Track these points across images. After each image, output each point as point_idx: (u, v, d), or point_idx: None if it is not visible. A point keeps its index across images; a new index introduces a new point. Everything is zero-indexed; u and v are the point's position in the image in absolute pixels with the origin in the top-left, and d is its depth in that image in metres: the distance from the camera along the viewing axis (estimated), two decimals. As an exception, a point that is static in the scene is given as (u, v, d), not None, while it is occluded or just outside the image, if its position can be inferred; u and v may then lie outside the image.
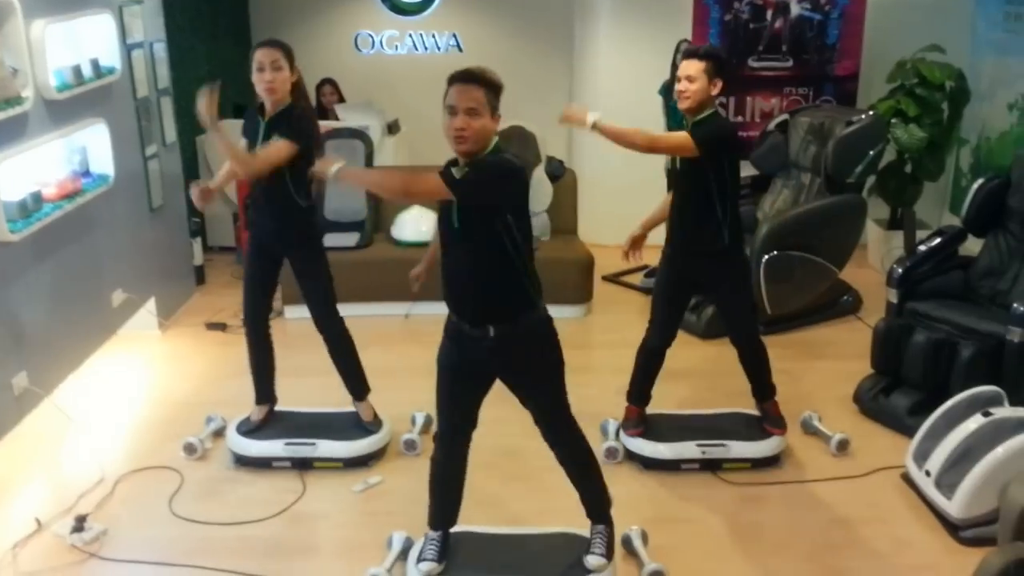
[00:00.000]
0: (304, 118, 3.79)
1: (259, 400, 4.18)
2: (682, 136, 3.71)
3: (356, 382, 4.16)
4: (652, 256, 6.51)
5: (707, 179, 3.75)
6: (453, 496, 3.30)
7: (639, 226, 4.13)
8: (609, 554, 3.22)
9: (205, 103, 3.51)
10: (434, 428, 3.16)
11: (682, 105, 3.75)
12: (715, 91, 3.72)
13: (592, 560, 3.19)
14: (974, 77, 6.41)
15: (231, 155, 3.68)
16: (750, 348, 4.06)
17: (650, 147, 3.80)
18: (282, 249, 3.96)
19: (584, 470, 3.24)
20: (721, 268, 3.91)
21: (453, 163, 2.89)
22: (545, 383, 3.08)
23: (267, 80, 3.70)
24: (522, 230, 2.90)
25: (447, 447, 3.20)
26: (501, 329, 2.93)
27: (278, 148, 3.66)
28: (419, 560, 3.22)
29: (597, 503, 3.29)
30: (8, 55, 4.02)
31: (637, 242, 4.14)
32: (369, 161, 6.18)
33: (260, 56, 3.72)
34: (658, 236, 3.85)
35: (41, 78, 4.20)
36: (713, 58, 3.72)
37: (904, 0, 6.85)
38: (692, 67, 3.70)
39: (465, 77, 2.80)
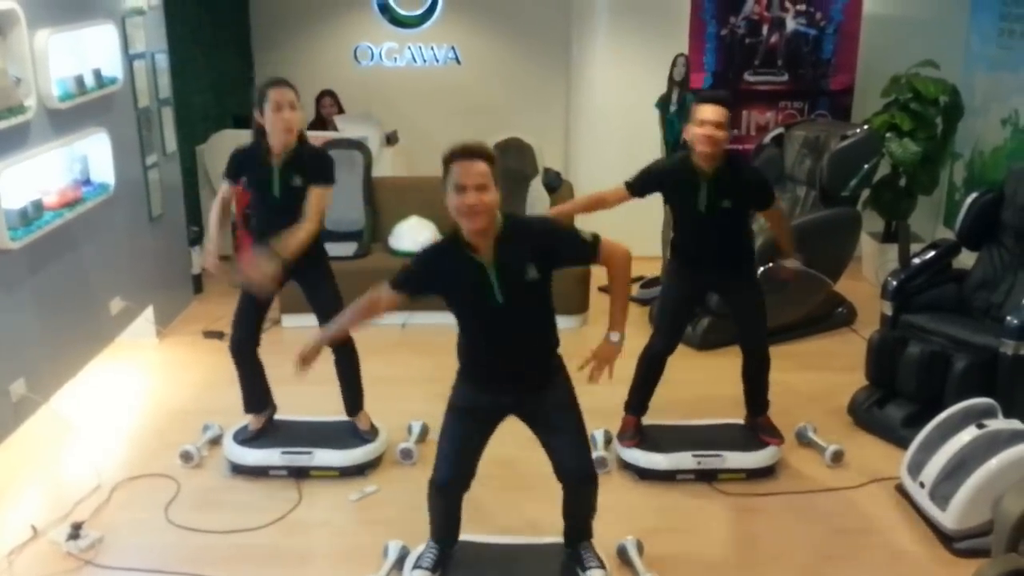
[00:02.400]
0: (324, 156, 3.86)
1: (249, 409, 4.18)
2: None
3: (355, 395, 4.19)
4: (647, 267, 6.58)
5: (741, 219, 3.96)
6: (453, 519, 3.29)
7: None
8: (603, 564, 3.24)
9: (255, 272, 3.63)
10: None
11: (707, 150, 3.73)
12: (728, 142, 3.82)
13: (595, 574, 3.20)
14: (968, 92, 6.46)
15: (293, 254, 3.69)
16: (760, 359, 4.11)
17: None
18: (291, 275, 3.91)
19: (591, 503, 3.24)
20: (740, 280, 4.03)
21: (454, 237, 2.90)
22: (574, 412, 3.11)
23: (286, 119, 3.69)
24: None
25: (448, 496, 3.19)
26: (544, 381, 3.06)
27: (322, 197, 3.76)
28: (415, 566, 3.24)
29: (589, 522, 3.30)
30: (11, 64, 4.05)
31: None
32: (368, 172, 6.21)
33: (277, 96, 3.69)
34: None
35: (44, 87, 4.22)
36: (729, 105, 3.80)
37: (899, 16, 6.91)
38: (721, 114, 3.71)
39: (468, 153, 2.78)
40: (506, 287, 2.86)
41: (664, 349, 4.11)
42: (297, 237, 3.71)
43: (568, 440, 3.08)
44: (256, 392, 4.17)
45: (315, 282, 4.02)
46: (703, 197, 3.82)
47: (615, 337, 3.09)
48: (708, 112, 3.72)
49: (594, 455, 4.02)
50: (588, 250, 3.00)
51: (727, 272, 4.00)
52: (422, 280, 2.96)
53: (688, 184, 3.84)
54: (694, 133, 3.75)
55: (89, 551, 3.52)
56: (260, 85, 3.80)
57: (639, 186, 3.96)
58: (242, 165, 3.91)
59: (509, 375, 3.00)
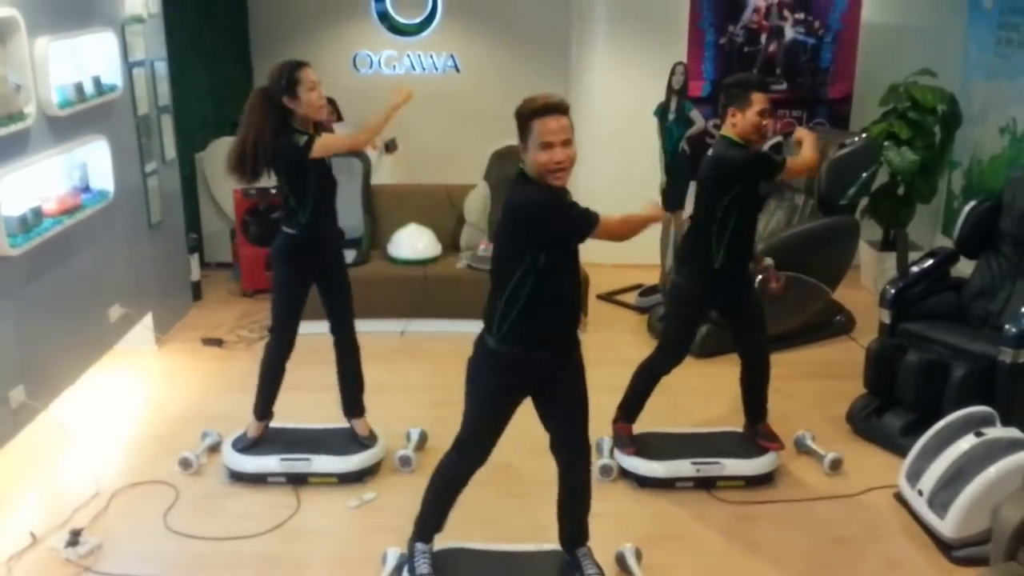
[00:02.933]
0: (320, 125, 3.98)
1: (262, 416, 4.18)
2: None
3: (356, 398, 4.20)
4: (647, 275, 6.59)
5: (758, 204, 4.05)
6: (447, 513, 3.31)
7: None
8: (601, 569, 3.25)
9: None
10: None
11: (762, 141, 3.92)
12: (738, 120, 3.86)
13: None
14: (966, 101, 6.48)
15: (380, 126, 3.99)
16: (760, 367, 4.11)
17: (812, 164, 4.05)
18: (334, 258, 4.08)
19: (587, 487, 3.26)
20: (748, 286, 4.05)
21: (562, 191, 2.92)
22: (584, 389, 3.16)
23: (323, 97, 3.84)
24: None
25: (463, 476, 3.21)
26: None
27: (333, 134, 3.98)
28: (416, 575, 3.23)
29: (585, 523, 3.31)
30: (11, 71, 4.06)
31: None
32: (367, 179, 6.22)
33: (311, 75, 3.79)
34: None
35: (43, 95, 4.23)
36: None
37: (897, 25, 6.93)
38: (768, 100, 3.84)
39: (555, 108, 2.82)
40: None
41: (674, 366, 4.12)
42: (373, 121, 3.96)
43: (579, 414, 3.16)
44: (272, 399, 4.17)
45: (342, 276, 4.10)
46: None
47: None
48: (764, 99, 3.79)
49: (600, 462, 4.09)
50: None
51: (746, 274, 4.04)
52: None
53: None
54: (754, 122, 3.77)
55: (88, 558, 3.51)
56: (281, 71, 3.78)
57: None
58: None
59: (570, 322, 3.06)
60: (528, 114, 2.81)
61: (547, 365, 3.03)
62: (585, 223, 2.89)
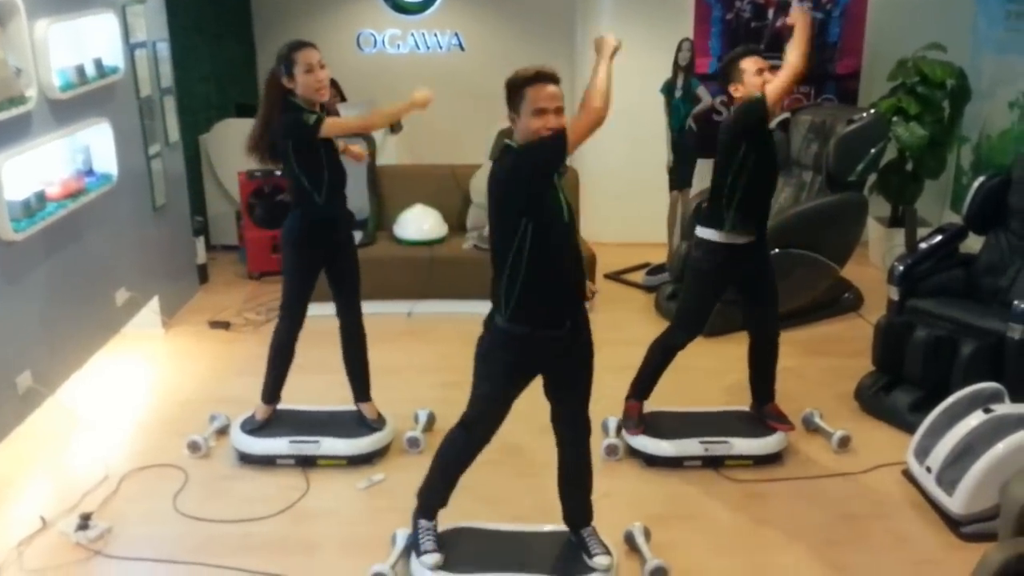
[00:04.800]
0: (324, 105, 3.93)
1: (269, 400, 4.18)
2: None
3: (364, 382, 4.20)
4: (655, 254, 6.57)
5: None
6: (451, 491, 3.33)
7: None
8: (607, 548, 3.25)
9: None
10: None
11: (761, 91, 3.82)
12: (740, 93, 3.85)
13: (601, 560, 3.21)
14: (975, 75, 6.42)
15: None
16: (770, 344, 4.10)
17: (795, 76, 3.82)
18: (344, 242, 4.04)
19: (587, 464, 3.27)
20: (767, 260, 4.02)
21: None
22: (590, 371, 3.16)
23: (322, 78, 3.78)
24: None
25: (473, 452, 3.23)
26: (583, 320, 3.08)
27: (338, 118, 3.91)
28: (421, 552, 3.24)
29: (588, 503, 3.31)
30: (12, 55, 4.03)
31: None
32: (372, 160, 6.19)
33: (311, 57, 3.75)
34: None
35: (45, 78, 4.21)
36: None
37: (905, -2, 6.86)
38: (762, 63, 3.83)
39: (546, 77, 2.86)
40: (566, 203, 2.97)
41: (687, 342, 4.10)
42: (389, 110, 4.00)
43: (583, 392, 3.16)
44: (281, 383, 4.18)
45: (352, 258, 4.08)
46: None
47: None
48: (759, 62, 3.80)
49: (606, 442, 4.08)
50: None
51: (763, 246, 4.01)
52: None
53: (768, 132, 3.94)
54: (755, 83, 3.79)
55: (98, 541, 3.53)
56: (282, 51, 3.79)
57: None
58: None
59: (573, 295, 3.04)
60: (522, 82, 2.85)
61: (557, 344, 3.02)
62: (558, 141, 2.86)
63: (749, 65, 3.79)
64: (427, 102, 3.86)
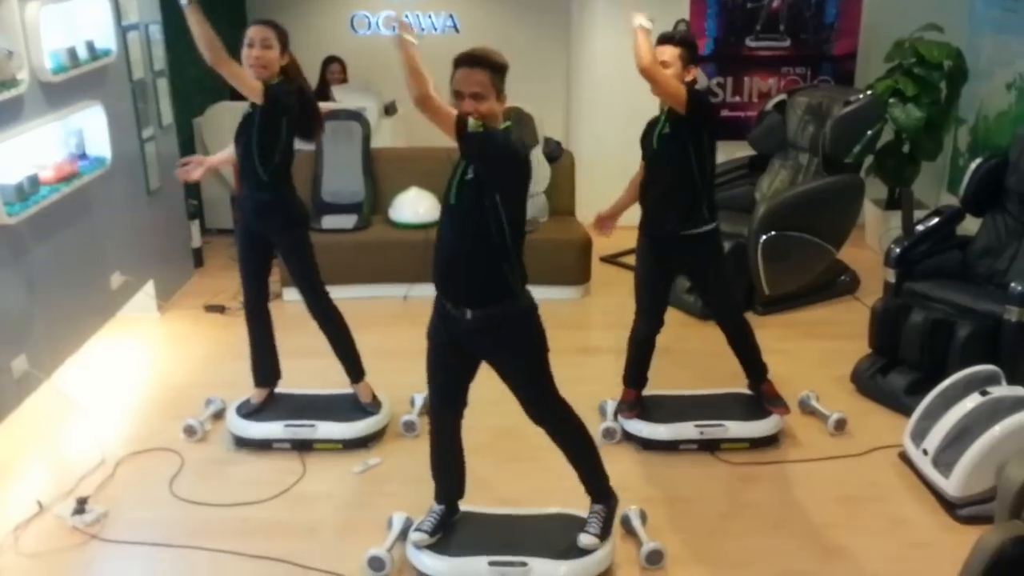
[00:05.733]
0: (286, 94, 3.77)
1: (258, 383, 4.19)
2: (679, 85, 3.71)
3: (350, 364, 4.17)
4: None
5: (690, 153, 3.76)
6: (450, 472, 3.34)
7: (611, 208, 4.16)
8: (604, 534, 3.24)
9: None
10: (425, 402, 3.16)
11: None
12: (688, 77, 3.77)
13: (584, 539, 3.20)
14: (972, 56, 6.39)
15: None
16: (736, 329, 4.06)
17: (648, 71, 3.69)
18: (262, 228, 3.93)
19: (577, 452, 3.26)
20: (702, 250, 3.91)
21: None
22: (521, 369, 3.11)
23: (255, 56, 3.70)
24: (511, 217, 2.90)
25: (435, 420, 3.27)
26: (478, 314, 2.98)
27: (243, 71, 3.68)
28: (416, 528, 3.28)
29: (593, 482, 3.31)
30: (3, 37, 4.00)
31: (604, 222, 4.18)
32: (367, 143, 6.17)
33: (252, 33, 3.72)
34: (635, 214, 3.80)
35: (36, 60, 4.17)
36: (687, 45, 3.77)
37: (902, -21, 6.82)
38: (667, 52, 3.74)
39: (469, 60, 2.81)
40: (461, 187, 2.92)
41: (649, 332, 4.07)
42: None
43: (516, 384, 3.14)
44: (267, 362, 4.17)
45: (284, 248, 4.01)
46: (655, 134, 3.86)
47: None
48: (658, 51, 3.76)
49: (603, 426, 4.08)
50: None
51: (669, 227, 3.86)
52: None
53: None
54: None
55: (94, 526, 3.53)
56: None
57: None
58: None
59: (439, 279, 3.05)
60: (455, 62, 2.85)
61: (449, 320, 3.06)
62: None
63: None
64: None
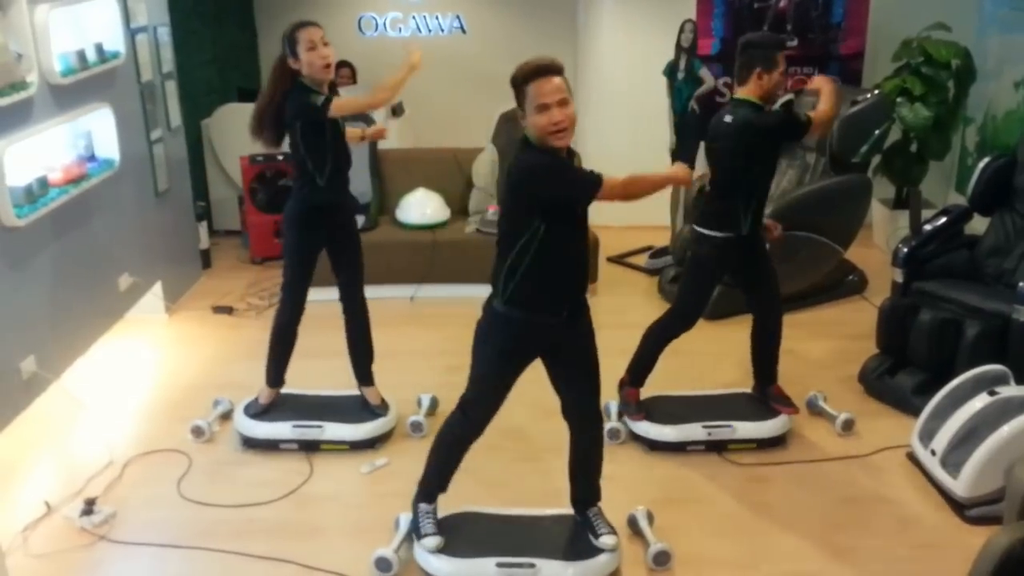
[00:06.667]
0: (333, 84, 3.90)
1: (273, 384, 4.19)
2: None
3: (367, 365, 4.19)
4: (658, 237, 6.55)
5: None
6: (451, 475, 3.33)
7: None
8: (613, 528, 3.26)
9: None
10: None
11: (784, 95, 3.87)
12: (764, 82, 3.78)
13: (607, 540, 3.22)
14: (980, 55, 6.37)
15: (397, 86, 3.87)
16: (778, 327, 4.08)
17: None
18: (344, 219, 4.02)
19: (599, 448, 3.27)
20: (762, 248, 4.00)
21: (570, 155, 2.92)
22: (595, 360, 3.15)
23: (328, 55, 3.75)
24: None
25: (471, 434, 3.23)
26: (588, 313, 3.09)
27: (349, 98, 3.82)
28: (421, 536, 3.26)
29: (597, 484, 3.32)
30: (12, 40, 4.02)
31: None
32: (374, 144, 6.17)
33: (312, 35, 3.73)
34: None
35: (45, 63, 4.19)
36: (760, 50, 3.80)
37: (910, -22, 6.81)
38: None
39: (544, 70, 2.79)
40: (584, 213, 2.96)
41: (684, 330, 4.09)
42: (391, 80, 3.86)
43: (588, 381, 3.15)
44: (283, 366, 4.18)
45: (352, 239, 4.07)
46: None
47: None
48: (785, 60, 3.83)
49: (608, 426, 4.08)
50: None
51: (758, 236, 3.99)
52: None
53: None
54: (779, 82, 3.80)
55: (102, 526, 3.54)
56: (286, 31, 3.79)
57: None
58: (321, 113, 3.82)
59: (575, 287, 3.04)
60: (522, 79, 2.80)
61: (552, 330, 3.01)
62: (588, 185, 2.86)
63: (782, 61, 3.77)
64: (419, 61, 3.85)
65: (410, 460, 3.96)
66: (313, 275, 4.02)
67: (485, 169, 6.07)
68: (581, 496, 3.32)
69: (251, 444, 4.10)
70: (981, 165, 4.74)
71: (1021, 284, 4.05)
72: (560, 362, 3.13)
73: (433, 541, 3.22)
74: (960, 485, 3.55)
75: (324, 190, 3.86)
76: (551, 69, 2.79)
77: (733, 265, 4.03)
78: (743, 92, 3.80)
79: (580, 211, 2.96)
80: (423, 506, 3.31)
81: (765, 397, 4.17)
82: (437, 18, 7.88)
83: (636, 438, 4.10)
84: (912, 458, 3.94)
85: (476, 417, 3.19)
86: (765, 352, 4.14)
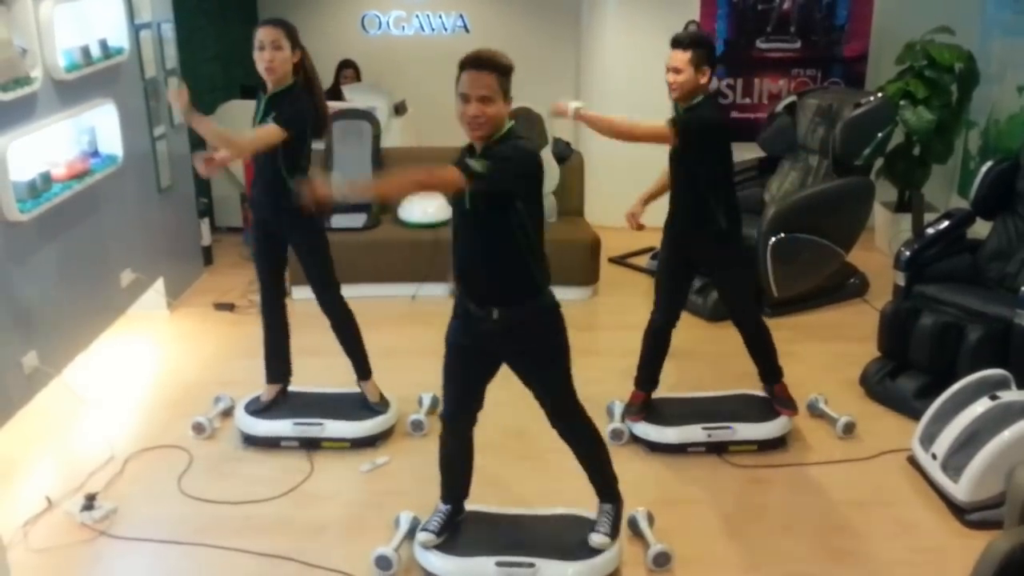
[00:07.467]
0: (299, 102, 3.73)
1: (270, 380, 4.19)
2: (659, 125, 3.71)
3: (358, 362, 4.18)
4: (659, 238, 6.54)
5: (695, 167, 3.78)
6: (459, 475, 3.33)
7: (637, 200, 4.16)
8: (614, 533, 3.24)
9: (176, 100, 3.59)
10: (441, 408, 3.17)
11: (672, 96, 3.76)
12: (703, 79, 3.72)
13: (596, 538, 3.21)
14: (983, 59, 6.37)
15: (218, 140, 3.68)
16: (754, 331, 4.06)
17: (629, 136, 3.79)
18: (278, 226, 3.94)
19: (590, 452, 3.26)
20: (718, 252, 3.91)
21: (468, 150, 2.88)
22: (548, 369, 3.09)
23: (266, 60, 3.67)
24: (533, 216, 2.89)
25: (451, 425, 3.24)
26: (505, 312, 2.95)
27: (267, 132, 3.63)
28: (422, 528, 3.28)
29: (602, 482, 3.31)
30: (17, 35, 4.02)
31: (635, 217, 4.17)
32: (377, 142, 6.18)
33: (261, 35, 3.68)
34: (660, 215, 3.81)
35: (50, 58, 4.19)
36: (698, 46, 3.70)
37: (914, -19, 6.81)
38: (677, 58, 3.69)
39: (476, 63, 2.77)
40: (474, 197, 2.81)
41: (664, 323, 4.06)
42: (224, 147, 3.73)
43: (541, 389, 3.13)
44: (280, 358, 4.18)
45: (301, 246, 4.00)
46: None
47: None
48: (669, 57, 3.73)
49: (611, 427, 4.08)
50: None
51: (689, 229, 3.89)
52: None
53: None
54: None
55: (103, 522, 3.54)
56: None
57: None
58: (257, 100, 3.83)
59: (462, 280, 3.00)
60: (460, 64, 2.81)
61: (474, 316, 3.00)
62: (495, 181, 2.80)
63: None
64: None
65: (410, 459, 3.97)
66: (271, 266, 4.04)
67: (488, 168, 6.06)
68: (595, 488, 3.32)
69: (252, 441, 4.10)
70: (984, 169, 4.74)
71: (1023, 289, 4.06)
72: (513, 369, 3.13)
73: (424, 537, 3.25)
74: (961, 489, 3.55)
75: (254, 205, 3.95)
76: (486, 64, 2.76)
77: (676, 248, 3.98)
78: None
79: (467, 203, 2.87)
80: (440, 504, 3.35)
81: (770, 396, 4.16)
82: (440, 17, 7.88)
83: (637, 439, 4.10)
84: (913, 462, 3.94)
85: (445, 426, 3.23)
86: (758, 356, 4.12)
